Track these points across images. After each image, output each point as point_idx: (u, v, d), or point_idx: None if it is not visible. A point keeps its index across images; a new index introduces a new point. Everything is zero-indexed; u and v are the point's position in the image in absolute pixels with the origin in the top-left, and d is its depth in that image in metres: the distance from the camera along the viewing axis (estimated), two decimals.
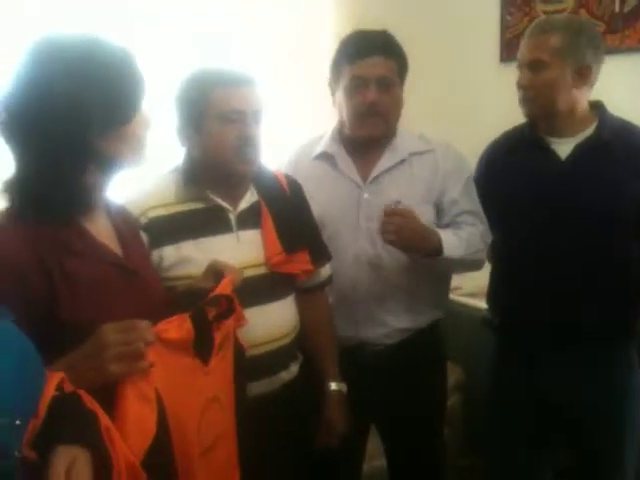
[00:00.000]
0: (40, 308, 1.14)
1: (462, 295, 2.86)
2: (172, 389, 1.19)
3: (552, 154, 1.89)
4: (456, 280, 2.85)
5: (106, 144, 1.21)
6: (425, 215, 1.83)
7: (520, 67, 1.88)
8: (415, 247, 1.77)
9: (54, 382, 1.01)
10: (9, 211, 1.20)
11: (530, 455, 1.97)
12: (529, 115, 1.92)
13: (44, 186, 1.17)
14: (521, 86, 1.86)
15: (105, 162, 1.23)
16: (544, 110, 1.87)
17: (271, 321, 1.61)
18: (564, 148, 1.88)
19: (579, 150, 1.86)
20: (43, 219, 1.17)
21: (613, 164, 1.83)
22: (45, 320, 1.13)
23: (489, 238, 1.91)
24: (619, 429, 1.90)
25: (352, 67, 1.82)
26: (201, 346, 1.26)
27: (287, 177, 1.76)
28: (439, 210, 1.89)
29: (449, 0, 3.09)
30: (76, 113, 1.16)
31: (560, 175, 1.86)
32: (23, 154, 1.19)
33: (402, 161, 1.89)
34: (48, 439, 0.95)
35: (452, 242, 1.79)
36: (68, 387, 1.03)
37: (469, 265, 1.90)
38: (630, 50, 2.68)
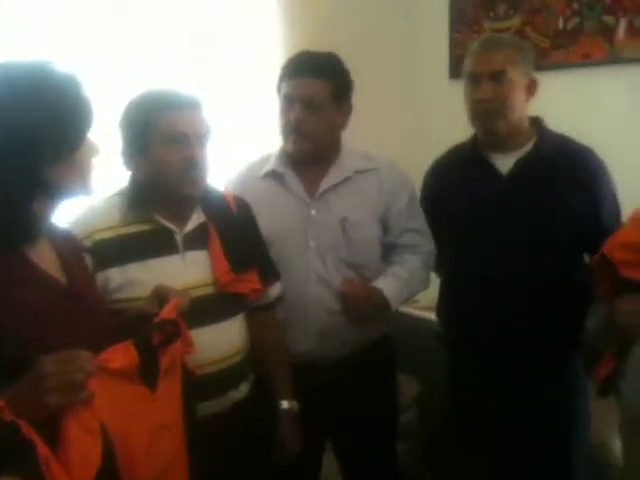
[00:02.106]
0: None
1: (419, 309, 2.89)
2: (118, 418, 1.18)
3: (493, 169, 1.94)
4: None
5: (54, 172, 1.20)
6: (372, 231, 1.87)
7: (475, 81, 1.89)
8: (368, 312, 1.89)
9: None
10: None
11: (491, 467, 2.00)
12: (486, 130, 1.94)
13: None
14: (482, 99, 1.87)
15: (53, 190, 1.22)
16: (504, 122, 1.88)
17: (220, 340, 1.61)
18: (505, 163, 1.92)
19: (519, 165, 1.91)
20: None
21: (553, 178, 1.88)
22: None
23: (432, 258, 1.96)
24: (566, 444, 1.94)
25: (284, 86, 1.87)
26: (147, 373, 1.25)
27: (235, 197, 1.77)
28: (385, 227, 1.92)
29: (399, 19, 3.14)
30: (26, 142, 1.15)
31: (501, 190, 1.91)
32: None
33: (347, 178, 1.92)
34: None
35: (396, 292, 1.89)
36: (7, 416, 1.02)
37: (414, 294, 2.00)
38: (574, 66, 2.76)
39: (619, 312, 1.70)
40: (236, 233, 1.67)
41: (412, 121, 3.06)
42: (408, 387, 2.56)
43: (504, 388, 1.94)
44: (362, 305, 1.85)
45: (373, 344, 1.96)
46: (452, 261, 2.02)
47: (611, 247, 1.73)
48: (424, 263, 1.94)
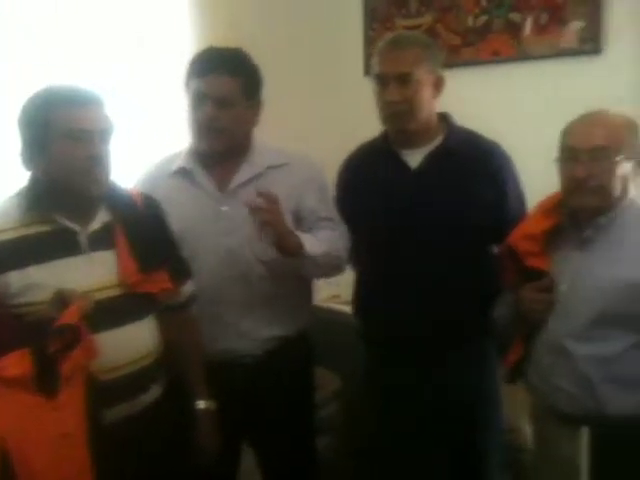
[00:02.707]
0: None
1: (340, 303, 2.91)
2: (15, 428, 1.14)
3: (403, 164, 1.97)
4: (334, 289, 2.94)
5: None
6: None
7: (383, 82, 1.91)
8: (282, 241, 1.76)
9: None
10: None
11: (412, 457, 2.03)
12: (396, 129, 1.96)
13: None
14: (391, 102, 1.89)
15: None
16: (413, 122, 1.91)
17: (129, 343, 1.57)
18: (415, 158, 1.96)
19: (428, 159, 1.95)
20: None
21: (461, 173, 1.93)
22: None
23: (348, 242, 1.95)
24: (481, 430, 2.00)
25: (194, 83, 1.84)
26: (44, 381, 1.21)
27: (143, 195, 1.73)
28: (298, 219, 1.91)
29: (313, 16, 3.15)
30: None
31: (410, 185, 1.94)
32: None
33: (259, 175, 1.90)
34: None
35: (312, 241, 1.82)
36: None
37: (331, 266, 1.92)
38: (484, 63, 2.83)
39: (523, 299, 1.77)
40: (144, 232, 1.63)
41: (327, 117, 3.06)
42: (329, 381, 2.57)
43: (421, 377, 1.97)
44: (276, 223, 1.72)
45: (290, 341, 1.95)
46: (367, 257, 2.04)
47: (515, 238, 1.79)
48: (341, 237, 1.92)
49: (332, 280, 2.77)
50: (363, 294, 2.12)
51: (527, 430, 2.09)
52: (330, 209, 1.97)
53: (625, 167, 1.65)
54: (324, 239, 1.87)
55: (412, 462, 2.04)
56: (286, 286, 1.92)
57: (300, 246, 1.78)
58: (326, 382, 2.29)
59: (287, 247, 1.77)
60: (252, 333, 1.88)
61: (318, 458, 2.08)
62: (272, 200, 1.72)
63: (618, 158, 1.64)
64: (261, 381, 1.89)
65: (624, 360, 1.64)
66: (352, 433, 2.41)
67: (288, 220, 1.84)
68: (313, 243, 1.82)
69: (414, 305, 1.94)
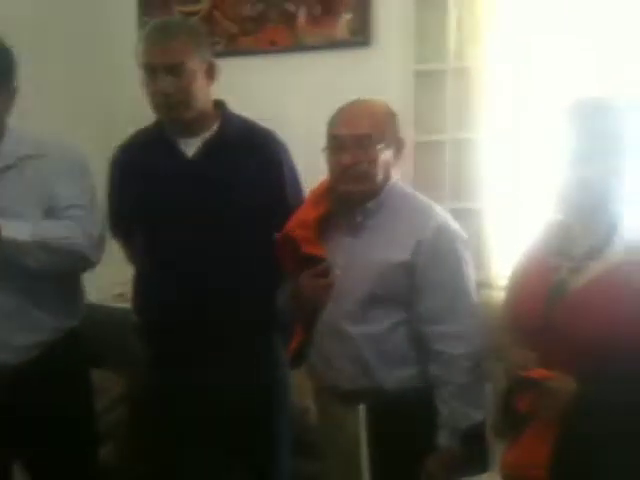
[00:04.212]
0: None
1: (125, 302, 2.78)
2: None
3: (179, 153, 1.91)
4: (119, 287, 2.80)
5: None
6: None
7: (152, 72, 1.82)
8: None
9: None
10: None
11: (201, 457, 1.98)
12: (170, 119, 1.90)
13: None
14: (164, 93, 1.82)
15: None
16: (188, 111, 1.85)
17: None
18: (191, 147, 1.91)
19: (204, 148, 1.90)
20: None
21: (237, 160, 1.90)
22: None
23: (95, 230, 1.82)
24: (270, 416, 2.00)
25: None
26: None
27: None
28: (49, 211, 1.77)
29: (86, 12, 2.96)
30: None
31: (187, 174, 1.89)
32: None
33: (9, 166, 1.74)
34: None
35: (18, 226, 1.68)
36: None
37: (65, 254, 1.76)
38: (261, 52, 2.84)
39: (302, 286, 1.80)
40: None
41: (99, 105, 2.93)
42: (114, 385, 2.45)
43: (204, 372, 1.92)
44: None
45: (56, 346, 1.81)
46: (144, 248, 1.96)
47: (291, 226, 1.81)
48: (82, 226, 1.77)
49: (117, 279, 2.66)
50: (140, 289, 2.03)
51: (312, 410, 2.13)
52: (82, 197, 1.81)
53: (387, 154, 1.74)
54: (54, 226, 1.74)
55: (197, 463, 2.00)
56: (39, 289, 1.77)
57: None
58: (111, 385, 2.17)
59: None
60: (5, 341, 1.73)
61: (100, 467, 1.96)
62: None
63: (381, 145, 1.71)
64: (23, 394, 1.73)
65: (391, 337, 1.73)
66: (137, 437, 2.31)
67: (37, 215, 1.72)
68: (19, 227, 1.68)
69: (197, 299, 1.89)
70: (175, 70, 1.81)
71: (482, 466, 1.72)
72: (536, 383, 1.42)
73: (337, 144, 1.72)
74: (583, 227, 1.49)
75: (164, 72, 1.81)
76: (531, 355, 1.48)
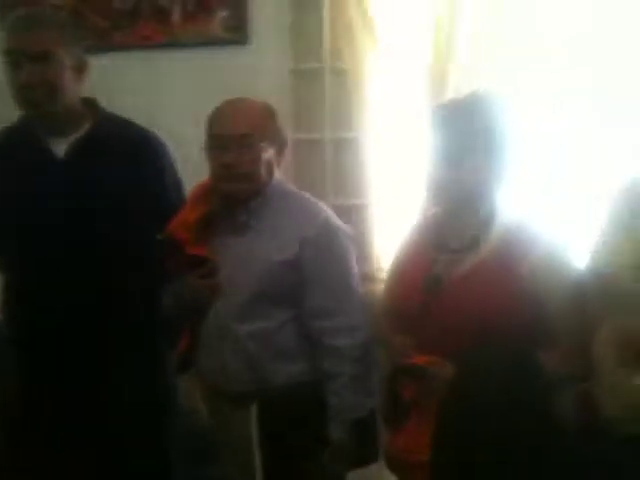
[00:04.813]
0: None
1: None
2: None
3: (49, 153, 1.82)
4: None
5: None
6: None
7: (16, 61, 1.72)
8: None
9: None
10: None
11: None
12: (36, 115, 1.80)
13: None
14: (29, 83, 1.72)
15: None
16: (53, 107, 1.77)
17: None
18: (62, 147, 1.82)
19: (76, 148, 1.82)
20: None
21: (112, 160, 1.83)
22: None
23: None
24: (157, 418, 1.94)
25: None
26: None
27: None
28: None
29: None
30: None
31: (58, 175, 1.81)
32: None
33: None
34: None
35: None
36: None
37: None
38: (135, 48, 2.74)
39: (188, 288, 1.77)
40: None
41: None
42: None
43: (84, 377, 1.84)
44: None
45: None
46: (16, 256, 1.85)
47: (174, 226, 1.78)
48: None
49: None
50: (10, 296, 1.91)
51: (203, 409, 2.10)
52: None
53: (269, 152, 1.74)
54: None
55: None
56: None
57: None
58: None
59: None
60: None
61: None
62: None
63: (262, 144, 1.71)
64: None
65: (280, 334, 1.74)
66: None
67: None
68: None
69: (72, 307, 1.80)
70: (42, 59, 1.72)
71: (374, 455, 1.77)
72: (417, 369, 1.48)
73: (218, 144, 1.71)
74: (458, 221, 1.56)
75: (30, 61, 1.71)
76: (412, 342, 1.54)
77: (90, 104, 1.89)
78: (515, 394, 1.43)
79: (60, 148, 1.82)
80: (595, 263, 1.45)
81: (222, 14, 2.66)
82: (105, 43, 2.74)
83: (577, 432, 1.42)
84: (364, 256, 2.29)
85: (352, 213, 2.38)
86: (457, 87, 2.23)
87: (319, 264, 1.72)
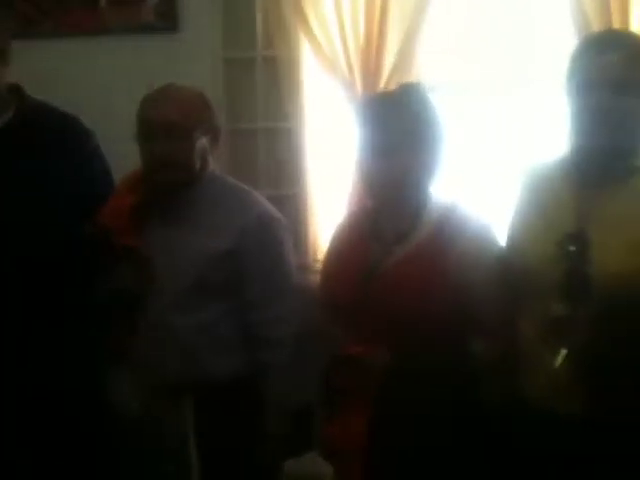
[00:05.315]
0: None
1: None
2: None
3: None
4: None
5: None
6: None
7: None
8: None
9: None
10: None
11: None
12: None
13: None
14: None
15: None
16: None
17: None
18: None
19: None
20: None
21: (40, 148, 1.76)
22: None
23: None
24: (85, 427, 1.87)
25: None
26: None
27: None
28: None
29: None
30: None
31: None
32: None
33: None
34: None
35: None
36: None
37: None
38: (65, 35, 2.66)
39: (119, 278, 1.74)
40: None
41: None
42: None
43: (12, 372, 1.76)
44: None
45: None
46: None
47: (104, 216, 1.73)
48: None
49: None
50: None
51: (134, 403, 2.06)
52: None
53: (202, 141, 1.72)
54: None
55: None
56: None
57: None
58: None
59: None
60: None
61: None
62: None
63: (195, 133, 1.69)
64: None
65: (218, 326, 1.72)
66: None
67: None
68: None
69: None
70: None
71: (309, 445, 1.78)
72: (353, 360, 1.50)
73: (149, 132, 1.67)
74: (391, 212, 1.58)
75: None
76: (347, 332, 1.55)
77: (14, 90, 1.81)
78: (444, 382, 1.48)
79: None
80: (511, 242, 1.52)
81: (153, 0, 2.61)
82: (34, 30, 2.65)
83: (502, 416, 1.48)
84: (298, 246, 2.30)
85: (286, 203, 2.38)
86: (390, 76, 2.27)
87: (257, 255, 1.71)
